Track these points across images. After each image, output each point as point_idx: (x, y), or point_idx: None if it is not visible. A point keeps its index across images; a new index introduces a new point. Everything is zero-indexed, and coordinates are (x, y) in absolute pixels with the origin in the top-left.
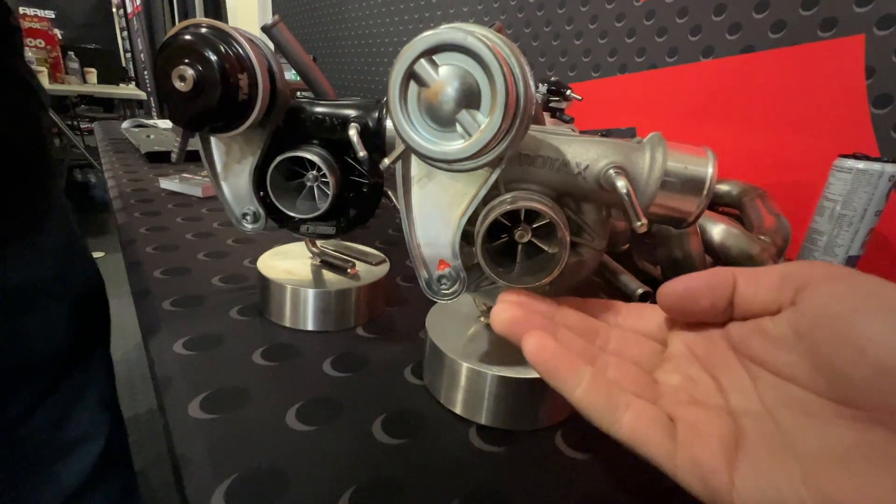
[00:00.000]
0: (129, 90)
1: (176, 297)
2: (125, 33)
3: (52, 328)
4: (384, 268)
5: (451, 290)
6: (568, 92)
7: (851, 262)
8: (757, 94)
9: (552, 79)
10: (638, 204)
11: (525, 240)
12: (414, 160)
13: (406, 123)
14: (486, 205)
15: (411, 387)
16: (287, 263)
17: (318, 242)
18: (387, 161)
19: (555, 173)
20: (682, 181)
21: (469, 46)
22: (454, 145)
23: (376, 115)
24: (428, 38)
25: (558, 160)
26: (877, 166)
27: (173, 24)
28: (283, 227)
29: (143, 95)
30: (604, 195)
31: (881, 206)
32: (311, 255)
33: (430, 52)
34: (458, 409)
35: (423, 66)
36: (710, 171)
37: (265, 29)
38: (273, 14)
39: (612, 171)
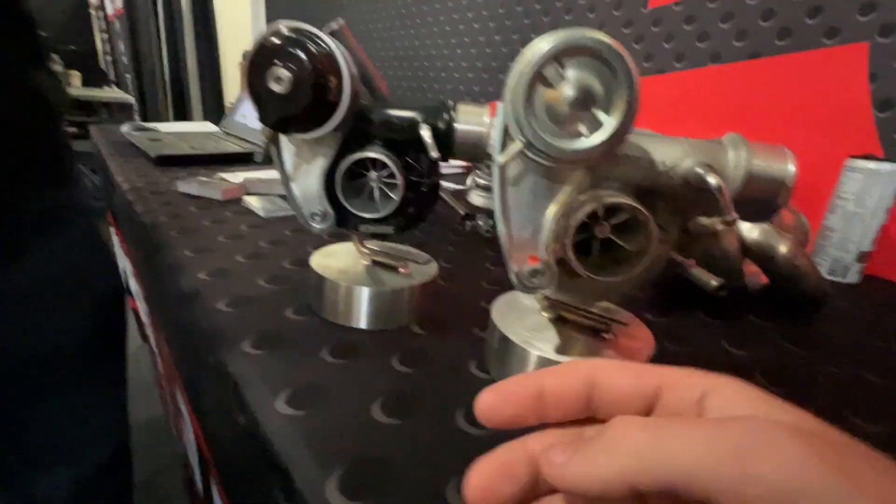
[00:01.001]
0: (115, 94)
1: (228, 299)
2: (105, 35)
3: (70, 327)
4: (433, 266)
5: (541, 284)
6: None
7: (863, 257)
8: (764, 99)
9: None
10: (730, 199)
11: (603, 236)
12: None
13: (531, 122)
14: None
15: (480, 380)
16: (339, 263)
17: (369, 243)
18: (501, 159)
19: (639, 171)
20: (766, 179)
21: (601, 50)
22: (579, 143)
23: (446, 116)
24: (558, 40)
25: (643, 158)
26: (887, 166)
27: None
28: (340, 228)
29: (130, 99)
30: (687, 192)
31: (890, 204)
32: (360, 255)
33: (560, 55)
34: None
35: (554, 69)
36: (791, 168)
37: (331, 33)
38: (267, 20)
39: (701, 169)
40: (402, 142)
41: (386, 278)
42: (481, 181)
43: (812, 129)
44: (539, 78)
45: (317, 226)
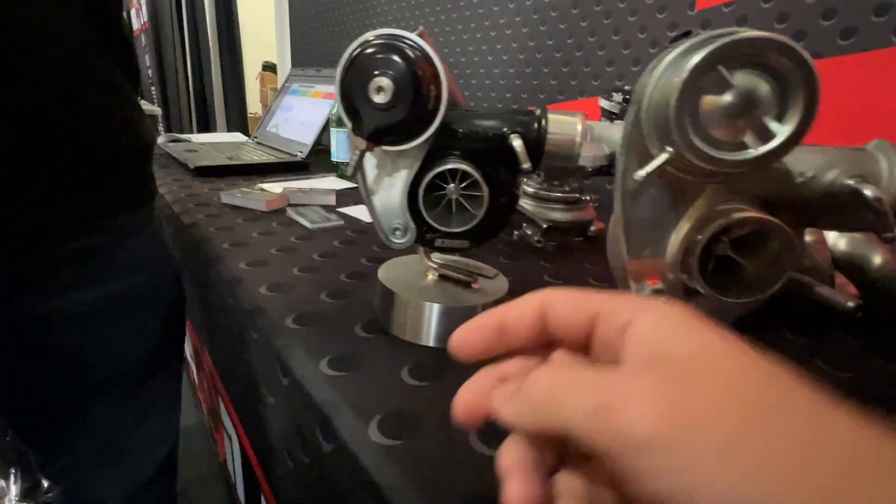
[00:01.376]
0: (145, 106)
1: (294, 315)
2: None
3: (144, 337)
4: (503, 281)
5: None
6: None
7: None
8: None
9: (626, 87)
10: (890, 212)
11: (723, 253)
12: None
13: (687, 132)
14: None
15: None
16: (406, 277)
17: (434, 256)
18: (643, 172)
19: (772, 182)
20: None
21: (773, 49)
22: (746, 154)
23: (536, 125)
24: (720, 43)
25: (778, 168)
26: None
27: (182, 41)
28: (415, 242)
29: (157, 110)
30: (822, 205)
31: None
32: (428, 269)
33: (722, 59)
34: None
35: (715, 74)
36: None
37: None
38: (291, 34)
39: (853, 180)
40: (483, 152)
41: (457, 294)
42: (529, 189)
43: (878, 130)
44: (696, 84)
45: (397, 241)
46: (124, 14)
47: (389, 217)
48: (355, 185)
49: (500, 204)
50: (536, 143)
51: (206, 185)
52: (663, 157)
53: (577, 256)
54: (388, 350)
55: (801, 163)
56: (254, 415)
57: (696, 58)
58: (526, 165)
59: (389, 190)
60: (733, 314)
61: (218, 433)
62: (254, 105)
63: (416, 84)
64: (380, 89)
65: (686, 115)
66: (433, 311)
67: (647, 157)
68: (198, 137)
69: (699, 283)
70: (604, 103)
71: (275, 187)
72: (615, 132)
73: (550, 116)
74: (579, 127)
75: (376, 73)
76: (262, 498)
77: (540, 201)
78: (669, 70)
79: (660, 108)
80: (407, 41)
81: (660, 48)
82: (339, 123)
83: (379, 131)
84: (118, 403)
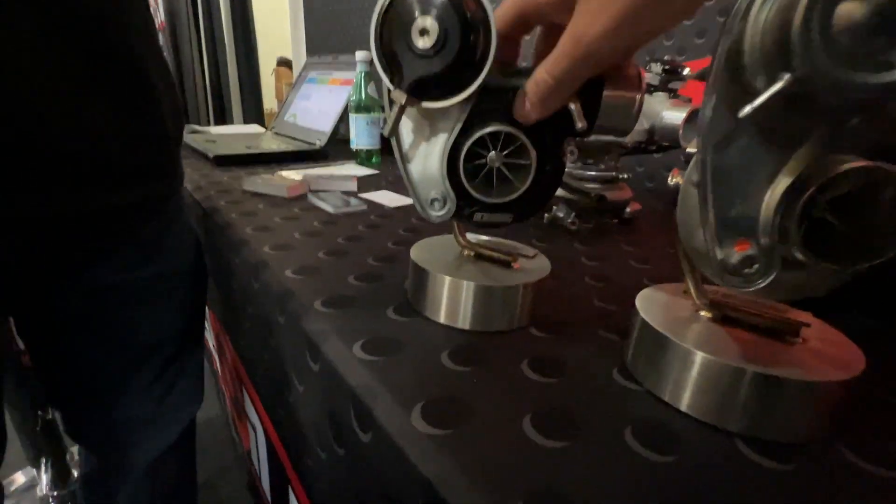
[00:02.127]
0: None
1: (323, 298)
2: None
3: (183, 309)
4: (545, 261)
5: (754, 275)
6: (685, 71)
7: None
8: None
9: (665, 57)
10: None
11: (819, 214)
12: (720, 117)
13: (815, 47)
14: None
15: (632, 392)
16: (441, 257)
17: (468, 235)
18: (748, 108)
19: (890, 122)
20: None
21: None
22: (891, 75)
23: (592, 84)
24: None
25: None
26: None
27: (198, 39)
28: (452, 217)
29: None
30: None
31: None
32: (463, 249)
33: None
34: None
35: None
36: None
37: None
38: (306, 30)
39: None
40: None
41: (497, 274)
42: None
43: None
44: None
45: (435, 213)
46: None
47: (427, 187)
48: (376, 172)
49: (545, 173)
50: (592, 101)
51: (227, 173)
52: (778, 84)
53: (613, 239)
54: (425, 333)
55: None
56: (281, 404)
57: None
58: (581, 125)
59: (427, 157)
60: (828, 286)
61: (241, 423)
62: (269, 101)
63: (465, 27)
64: (423, 32)
65: (815, 27)
66: (471, 291)
67: (742, 97)
68: (216, 129)
69: (797, 247)
70: None
71: (295, 174)
72: (654, 104)
73: (608, 83)
74: (638, 95)
75: (418, 14)
76: (291, 491)
77: (573, 180)
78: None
79: (772, 27)
80: None
81: None
82: (358, 109)
83: (421, 83)
84: (155, 372)
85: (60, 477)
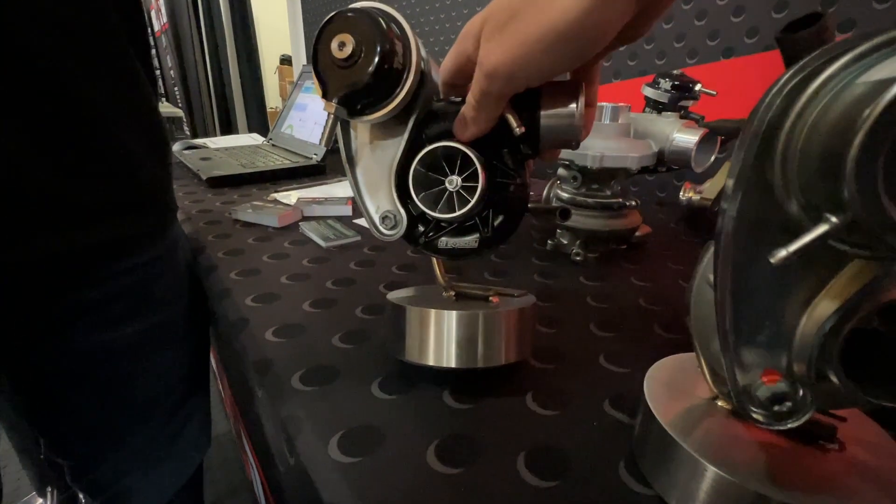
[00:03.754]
0: (166, 108)
1: (303, 371)
2: (153, 51)
3: (183, 359)
4: (530, 298)
5: (787, 412)
6: (697, 87)
7: None
8: None
9: (675, 72)
10: None
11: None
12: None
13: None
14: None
15: (637, 495)
16: (420, 299)
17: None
18: (784, 253)
19: None
20: None
21: None
22: None
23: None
24: None
25: None
26: None
27: (200, 40)
28: (415, 246)
29: (180, 112)
30: None
31: None
32: (444, 291)
33: None
34: None
35: None
36: None
37: None
38: (304, 28)
39: None
40: (485, 139)
41: (477, 307)
42: (564, 195)
43: None
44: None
45: (387, 231)
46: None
47: (376, 205)
48: None
49: (506, 195)
50: (530, 111)
51: (219, 197)
52: (821, 229)
53: (622, 269)
54: (412, 418)
55: None
56: (271, 472)
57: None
58: (518, 130)
59: (378, 175)
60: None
61: (244, 454)
62: (273, 99)
63: (381, 38)
64: (342, 45)
65: (881, 162)
66: (451, 324)
67: (775, 217)
68: (215, 142)
69: (841, 380)
70: (648, 91)
71: (289, 196)
72: (664, 126)
73: (544, 89)
74: (578, 101)
75: (339, 32)
76: None
77: (577, 208)
78: (835, 87)
79: (817, 147)
80: (376, 8)
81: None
82: None
83: (347, 95)
84: (159, 424)
85: (66, 502)
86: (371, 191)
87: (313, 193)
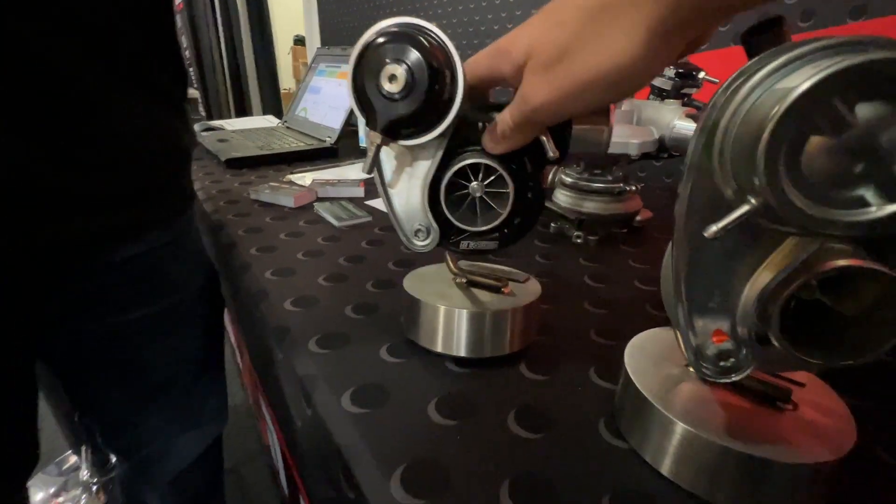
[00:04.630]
0: None
1: (318, 336)
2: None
3: (195, 340)
4: (535, 285)
5: (732, 367)
6: (700, 75)
7: None
8: None
9: (679, 59)
10: None
11: (808, 297)
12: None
13: (781, 183)
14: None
15: (616, 449)
16: (433, 286)
17: (461, 263)
18: (714, 228)
19: None
20: None
21: None
22: (862, 214)
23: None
24: (850, 66)
25: None
26: None
27: (215, 20)
28: (439, 245)
29: (195, 93)
30: None
31: None
32: (453, 276)
33: (849, 88)
34: (682, 483)
35: (839, 108)
36: None
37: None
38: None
39: None
40: None
41: (487, 300)
42: (567, 179)
43: None
44: (800, 118)
45: (419, 243)
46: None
47: (411, 219)
48: None
49: (527, 200)
50: (562, 132)
51: (237, 178)
52: (743, 209)
53: (620, 252)
54: (416, 379)
55: None
56: (288, 429)
57: (804, 85)
58: (552, 154)
59: (410, 190)
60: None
61: (261, 420)
62: (287, 80)
63: (431, 71)
64: (392, 78)
65: (782, 156)
66: (461, 319)
67: (719, 199)
68: (232, 124)
69: (778, 339)
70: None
71: (303, 178)
72: (666, 113)
73: None
74: (605, 116)
75: (388, 61)
76: (301, 498)
77: (579, 192)
78: (759, 91)
79: (743, 141)
80: (422, 29)
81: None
82: None
83: (393, 124)
84: (177, 401)
85: (99, 465)
86: (403, 205)
87: (327, 175)
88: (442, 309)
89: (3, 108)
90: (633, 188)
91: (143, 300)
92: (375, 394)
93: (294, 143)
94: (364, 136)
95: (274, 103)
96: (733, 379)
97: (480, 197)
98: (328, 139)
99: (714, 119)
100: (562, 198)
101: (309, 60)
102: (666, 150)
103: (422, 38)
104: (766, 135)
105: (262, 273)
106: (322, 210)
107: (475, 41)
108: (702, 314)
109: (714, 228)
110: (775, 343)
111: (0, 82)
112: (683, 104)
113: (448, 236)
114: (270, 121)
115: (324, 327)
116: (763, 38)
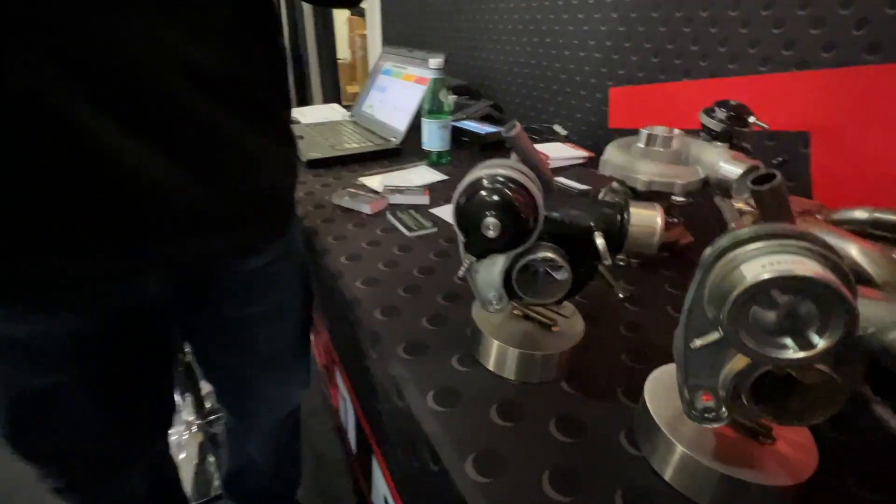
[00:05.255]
0: None
1: (404, 344)
2: None
3: (296, 328)
4: (579, 324)
5: (713, 418)
6: (751, 119)
7: None
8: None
9: (732, 102)
10: None
11: (781, 374)
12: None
13: (737, 330)
14: None
15: (632, 457)
16: (496, 317)
17: None
18: (698, 342)
19: None
20: None
21: (819, 287)
22: (785, 354)
23: (619, 219)
24: (776, 273)
25: None
26: None
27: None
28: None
29: None
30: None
31: None
32: (514, 309)
33: (774, 285)
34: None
35: (769, 296)
36: None
37: (506, 138)
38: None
39: None
40: (569, 238)
41: (538, 338)
42: None
43: None
44: (755, 301)
45: (494, 306)
46: None
47: (488, 290)
48: (446, 178)
49: (580, 275)
50: (618, 237)
51: (317, 178)
52: (714, 336)
53: (659, 275)
54: (481, 387)
55: (867, 314)
56: (370, 408)
57: (749, 281)
58: (608, 262)
59: (490, 273)
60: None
61: (332, 386)
62: (342, 50)
63: (519, 222)
64: (489, 227)
65: (738, 314)
66: (514, 355)
67: (706, 321)
68: (303, 114)
69: (753, 411)
70: (704, 119)
71: (373, 180)
72: (712, 154)
73: (632, 210)
74: (659, 220)
75: (487, 214)
76: (374, 462)
77: None
78: (732, 264)
79: (718, 294)
80: (511, 181)
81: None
82: (430, 113)
83: (486, 252)
84: (277, 373)
85: (198, 409)
86: (483, 281)
87: (394, 179)
88: (497, 344)
89: (180, 156)
90: (676, 220)
91: (261, 299)
92: (450, 396)
93: (363, 143)
94: (440, 132)
95: (332, 78)
96: (714, 426)
97: (545, 270)
98: (393, 139)
99: (706, 268)
100: None
101: (370, 65)
102: (708, 188)
103: (513, 195)
104: (727, 305)
105: (352, 282)
106: (394, 219)
107: (535, 39)
108: (695, 379)
109: (698, 343)
110: (745, 404)
111: (180, 139)
112: (732, 146)
113: (516, 297)
114: (336, 111)
115: (406, 336)
116: (765, 191)
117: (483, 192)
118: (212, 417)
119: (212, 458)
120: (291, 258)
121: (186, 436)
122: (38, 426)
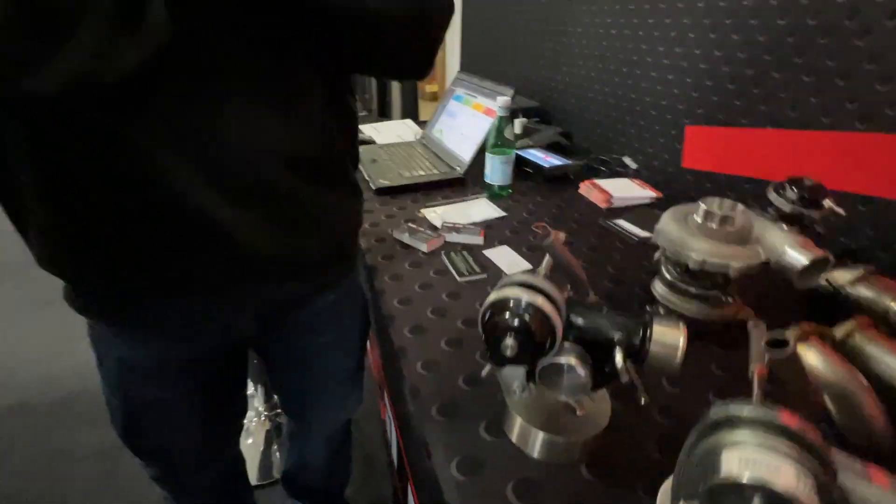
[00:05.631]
0: None
1: (438, 404)
2: None
3: (354, 355)
4: (605, 410)
5: None
6: (826, 203)
7: None
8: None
9: (808, 183)
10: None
11: None
12: None
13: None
14: None
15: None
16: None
17: None
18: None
19: None
20: None
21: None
22: None
23: (640, 335)
24: (753, 478)
25: None
26: None
27: None
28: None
29: None
30: None
31: None
32: None
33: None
34: None
35: (742, 494)
36: None
37: (542, 245)
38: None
39: None
40: (591, 344)
41: (564, 422)
42: (667, 275)
43: None
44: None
45: (518, 395)
46: None
47: (512, 380)
48: (504, 214)
49: (602, 373)
50: (640, 349)
51: (384, 208)
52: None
53: (710, 352)
54: (502, 458)
55: None
56: (407, 438)
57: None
58: (625, 380)
59: (516, 370)
60: None
61: (381, 401)
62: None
63: (534, 343)
64: (507, 348)
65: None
66: (539, 437)
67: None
68: (378, 131)
69: None
70: (773, 196)
71: (435, 212)
72: (776, 237)
73: (656, 327)
74: (681, 342)
75: (506, 335)
76: (409, 491)
77: (676, 293)
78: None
79: (700, 466)
80: (531, 306)
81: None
82: (494, 148)
83: (506, 363)
84: (337, 390)
85: (267, 399)
86: (510, 376)
87: (453, 213)
88: (522, 423)
89: (273, 221)
90: (729, 300)
91: (328, 329)
92: (473, 465)
93: (430, 171)
94: (503, 168)
95: (410, 93)
96: None
97: (567, 366)
98: (457, 168)
99: (700, 434)
100: (660, 290)
101: (447, 83)
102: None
103: (532, 319)
104: (702, 490)
105: (402, 329)
106: (447, 261)
107: (611, 67)
108: (683, 493)
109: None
110: None
111: (273, 208)
112: (802, 227)
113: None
114: (409, 128)
115: (442, 395)
116: (777, 358)
117: (506, 315)
118: (279, 410)
119: (275, 446)
120: (355, 293)
121: (255, 422)
122: (147, 429)
